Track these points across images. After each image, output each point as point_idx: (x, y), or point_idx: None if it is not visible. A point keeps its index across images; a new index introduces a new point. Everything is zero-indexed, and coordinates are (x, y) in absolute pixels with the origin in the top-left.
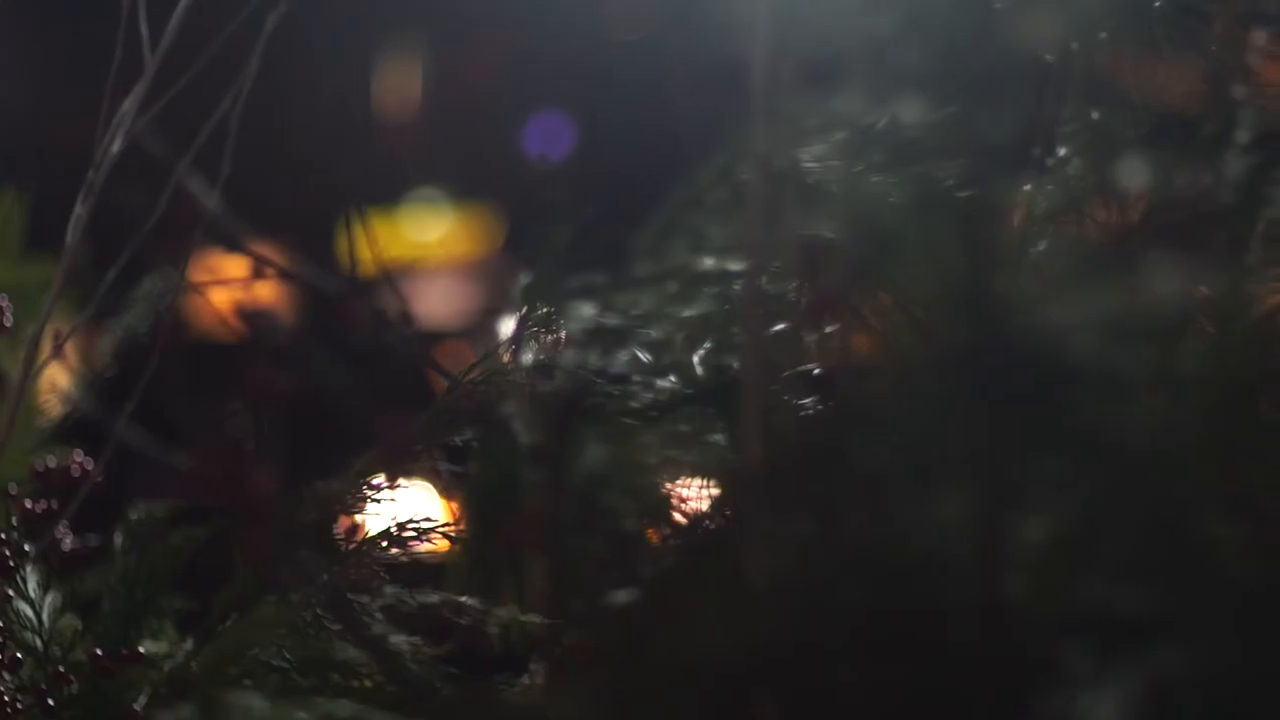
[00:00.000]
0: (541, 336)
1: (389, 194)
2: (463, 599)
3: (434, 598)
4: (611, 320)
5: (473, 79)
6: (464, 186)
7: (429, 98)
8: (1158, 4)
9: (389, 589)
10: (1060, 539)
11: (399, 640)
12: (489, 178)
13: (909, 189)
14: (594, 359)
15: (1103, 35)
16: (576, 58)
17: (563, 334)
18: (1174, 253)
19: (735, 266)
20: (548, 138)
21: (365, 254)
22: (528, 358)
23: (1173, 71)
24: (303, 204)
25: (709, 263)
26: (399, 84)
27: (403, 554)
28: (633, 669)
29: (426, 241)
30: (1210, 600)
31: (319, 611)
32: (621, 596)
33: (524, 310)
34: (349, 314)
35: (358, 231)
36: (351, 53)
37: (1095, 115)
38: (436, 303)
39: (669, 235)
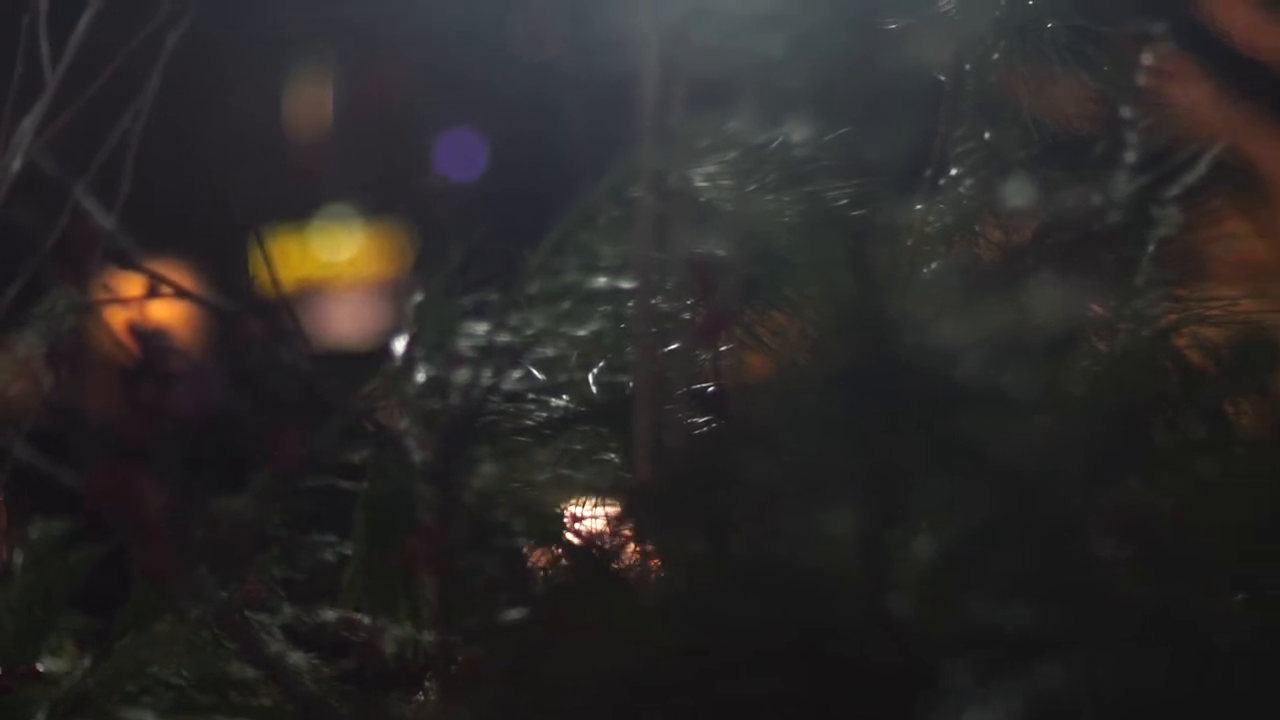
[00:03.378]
0: (435, 355)
1: (300, 211)
2: (359, 617)
3: (332, 615)
4: (504, 338)
5: (383, 97)
6: (375, 204)
7: (339, 116)
8: (1050, 25)
9: (287, 607)
10: (948, 556)
11: (297, 658)
12: (400, 195)
13: (800, 209)
14: (487, 377)
15: (995, 56)
16: (484, 76)
17: (456, 352)
18: (1064, 273)
19: (627, 285)
20: (457, 156)
21: (266, 273)
22: (421, 376)
23: (1065, 92)
24: (213, 222)
25: (601, 281)
26: (309, 102)
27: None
28: (524, 685)
29: (337, 259)
30: (1096, 617)
31: (215, 629)
32: (513, 613)
33: (416, 329)
34: (242, 333)
35: (259, 251)
36: (262, 70)
37: (987, 135)
38: (347, 320)
39: (561, 253)
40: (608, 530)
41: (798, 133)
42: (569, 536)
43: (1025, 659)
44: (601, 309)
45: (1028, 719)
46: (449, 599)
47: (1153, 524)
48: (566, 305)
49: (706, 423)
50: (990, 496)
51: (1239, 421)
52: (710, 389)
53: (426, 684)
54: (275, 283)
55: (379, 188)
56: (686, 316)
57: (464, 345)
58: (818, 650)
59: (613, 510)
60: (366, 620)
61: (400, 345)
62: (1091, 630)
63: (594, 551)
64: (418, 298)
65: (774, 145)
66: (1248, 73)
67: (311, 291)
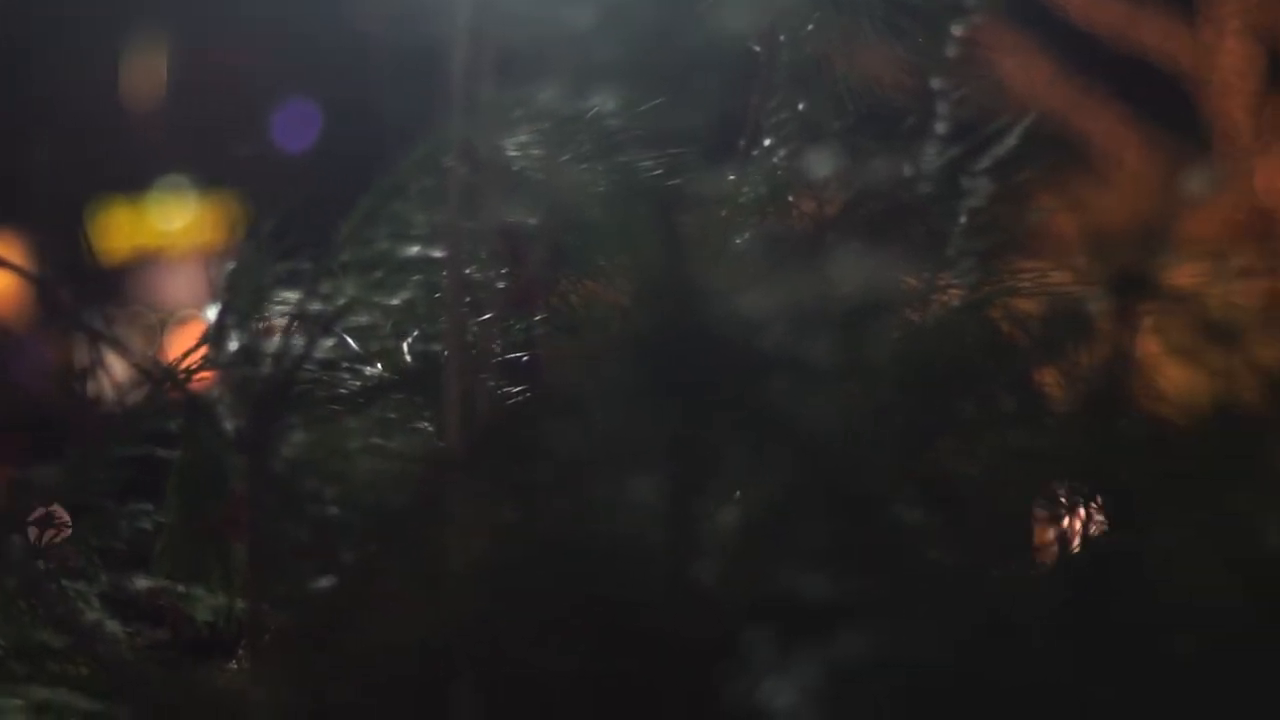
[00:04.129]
0: (246, 323)
1: (135, 182)
2: (176, 586)
3: (148, 584)
4: (316, 307)
5: (219, 68)
6: (210, 174)
7: (174, 86)
8: None
9: (104, 576)
10: (752, 526)
11: (113, 627)
12: (234, 165)
13: (612, 179)
14: (299, 345)
15: (810, 27)
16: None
17: (268, 321)
18: (873, 244)
19: (439, 254)
20: (289, 126)
21: (96, 243)
22: (233, 345)
23: (880, 63)
24: (45, 194)
25: (414, 250)
26: (142, 74)
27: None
28: (332, 652)
29: (172, 229)
30: (899, 587)
31: (29, 598)
32: (323, 581)
33: (228, 297)
34: (58, 303)
35: (90, 222)
36: (97, 42)
37: (801, 106)
38: (182, 289)
39: (373, 222)
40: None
41: (609, 103)
42: (379, 504)
43: (828, 628)
44: (414, 278)
45: (829, 687)
46: (259, 567)
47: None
48: (379, 274)
49: (518, 392)
50: (795, 466)
51: (1048, 393)
52: (522, 358)
53: (239, 652)
54: (102, 253)
55: (210, 158)
56: (498, 286)
57: (276, 313)
58: (623, 619)
59: (422, 478)
60: (179, 589)
61: (213, 313)
62: (894, 599)
63: (403, 519)
64: (229, 266)
65: (586, 116)
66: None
67: (146, 261)
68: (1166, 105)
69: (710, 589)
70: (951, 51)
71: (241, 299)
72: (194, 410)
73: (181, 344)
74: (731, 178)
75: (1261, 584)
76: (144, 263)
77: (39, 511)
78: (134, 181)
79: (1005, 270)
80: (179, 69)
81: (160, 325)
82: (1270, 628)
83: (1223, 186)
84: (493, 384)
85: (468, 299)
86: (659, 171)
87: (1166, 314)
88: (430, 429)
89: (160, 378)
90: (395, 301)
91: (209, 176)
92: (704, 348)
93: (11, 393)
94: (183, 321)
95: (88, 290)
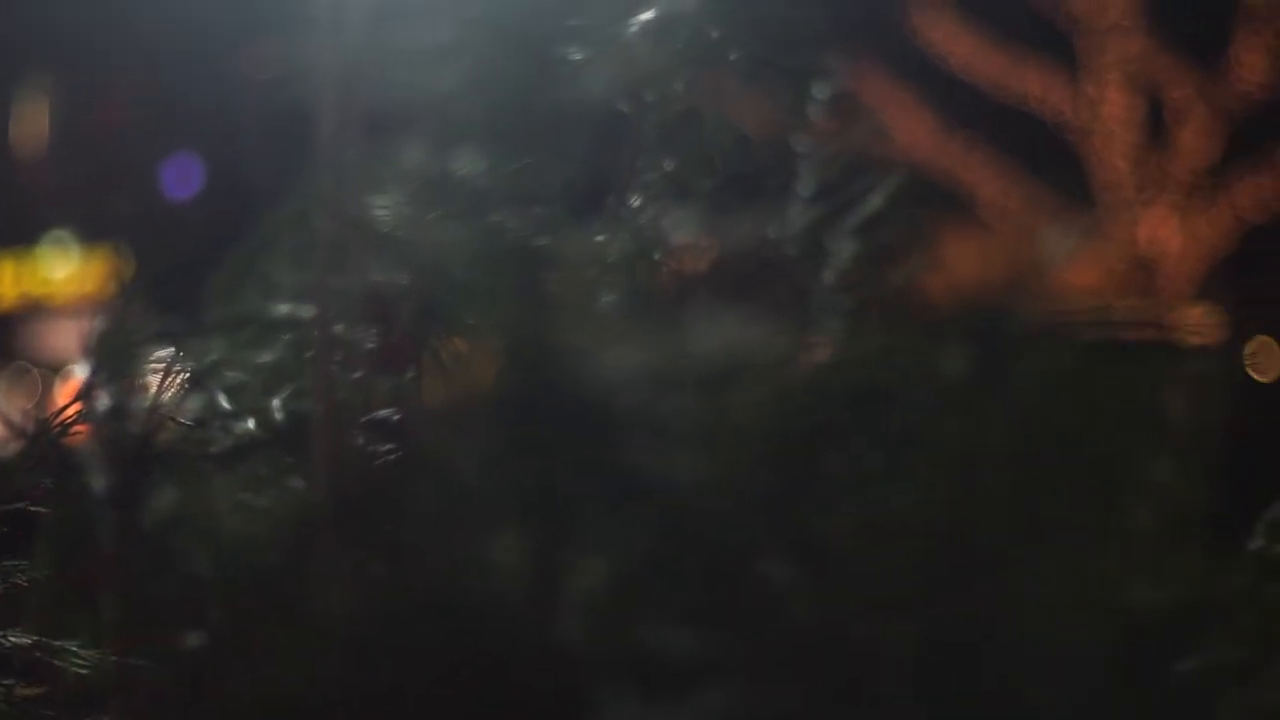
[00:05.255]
0: (118, 380)
1: (18, 234)
2: (49, 641)
3: (22, 639)
4: (187, 365)
5: (104, 120)
6: (92, 229)
7: (58, 138)
8: (733, 57)
9: None
10: (614, 583)
11: None
12: (111, 220)
13: (479, 238)
14: (170, 403)
15: (678, 87)
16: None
17: (138, 378)
18: (739, 303)
19: (308, 312)
20: (173, 183)
21: None
22: (104, 402)
23: (748, 122)
24: None
25: (283, 308)
26: (29, 124)
27: None
28: (200, 709)
29: (57, 282)
30: (761, 643)
31: None
32: (192, 637)
33: (99, 355)
34: None
35: None
36: None
37: (669, 165)
38: (67, 342)
39: (242, 281)
40: (286, 556)
41: (477, 163)
42: (248, 561)
43: (691, 685)
44: (283, 336)
45: None
46: (128, 623)
47: (823, 550)
48: (249, 332)
49: (386, 450)
50: (658, 524)
51: (913, 450)
52: (390, 416)
53: (110, 707)
54: None
55: (90, 212)
56: (367, 344)
57: (145, 370)
58: (487, 677)
59: (291, 536)
60: (53, 643)
61: (83, 370)
62: (757, 657)
63: (272, 577)
64: (100, 322)
65: (453, 175)
66: (963, 100)
67: (31, 313)
68: (1049, 156)
69: (575, 646)
70: (820, 110)
71: (112, 356)
72: (65, 466)
73: (64, 398)
74: (599, 237)
75: (1119, 642)
76: (29, 315)
77: None
78: (17, 235)
79: (871, 328)
80: (61, 125)
81: (42, 379)
82: (1123, 680)
83: (1103, 237)
84: (361, 442)
85: (337, 357)
86: (526, 231)
87: (1026, 367)
88: (299, 486)
89: (32, 433)
90: (265, 359)
91: (91, 231)
92: (567, 407)
93: None
94: (65, 376)
95: None
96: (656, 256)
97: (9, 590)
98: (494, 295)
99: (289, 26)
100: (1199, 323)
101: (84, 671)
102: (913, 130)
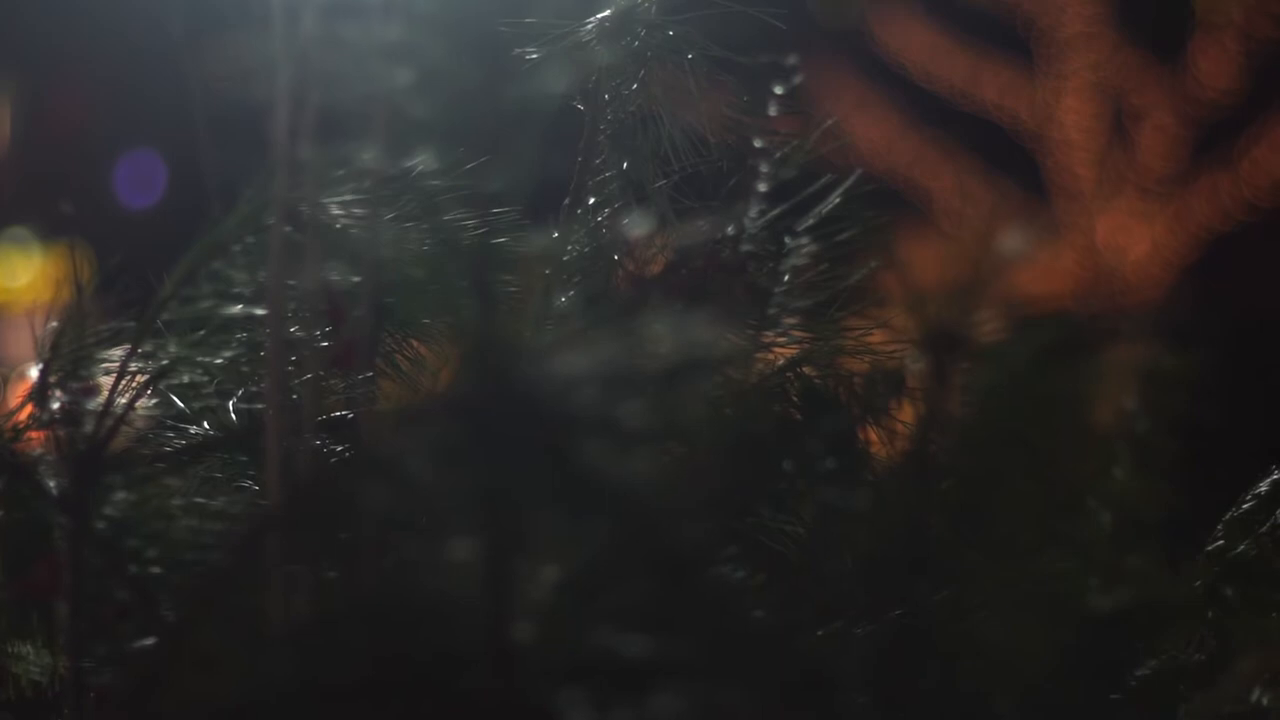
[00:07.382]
0: (69, 382)
1: None
2: (1, 645)
3: None
4: (139, 365)
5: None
6: (49, 228)
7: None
8: (690, 56)
9: None
10: (568, 585)
11: None
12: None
13: (433, 238)
14: (121, 404)
15: (634, 86)
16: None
17: (91, 380)
18: (695, 302)
19: (261, 313)
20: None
21: None
22: (55, 404)
23: (704, 122)
24: None
25: (236, 309)
26: None
27: None
28: (150, 712)
29: (15, 282)
30: (714, 645)
31: None
32: (142, 641)
33: (50, 356)
34: None
35: None
36: None
37: (625, 165)
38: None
39: (195, 281)
40: (238, 557)
41: (432, 163)
42: (200, 564)
43: (646, 687)
44: (237, 337)
45: None
46: (79, 627)
47: (778, 551)
48: (202, 333)
49: (339, 451)
50: (612, 526)
51: (868, 452)
52: (343, 417)
53: (64, 711)
54: None
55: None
56: (321, 345)
57: (98, 372)
58: (439, 679)
59: (243, 537)
60: (5, 648)
61: (35, 372)
62: (711, 659)
63: (223, 579)
64: (52, 324)
65: (408, 175)
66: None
67: None
68: (1010, 160)
69: (528, 648)
70: (777, 110)
71: (64, 357)
72: (16, 470)
73: (17, 399)
74: (554, 236)
75: (1073, 652)
76: None
77: None
78: None
79: (826, 329)
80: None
81: (1, 380)
82: (1081, 682)
83: (1063, 240)
84: (315, 443)
85: (290, 358)
86: (481, 231)
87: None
88: (252, 488)
89: None
90: (218, 360)
91: (48, 230)
92: (521, 408)
93: None
94: (21, 377)
95: None
96: (612, 256)
97: None
98: (448, 295)
99: (243, 25)
100: (1157, 326)
101: (37, 677)
102: (872, 131)
